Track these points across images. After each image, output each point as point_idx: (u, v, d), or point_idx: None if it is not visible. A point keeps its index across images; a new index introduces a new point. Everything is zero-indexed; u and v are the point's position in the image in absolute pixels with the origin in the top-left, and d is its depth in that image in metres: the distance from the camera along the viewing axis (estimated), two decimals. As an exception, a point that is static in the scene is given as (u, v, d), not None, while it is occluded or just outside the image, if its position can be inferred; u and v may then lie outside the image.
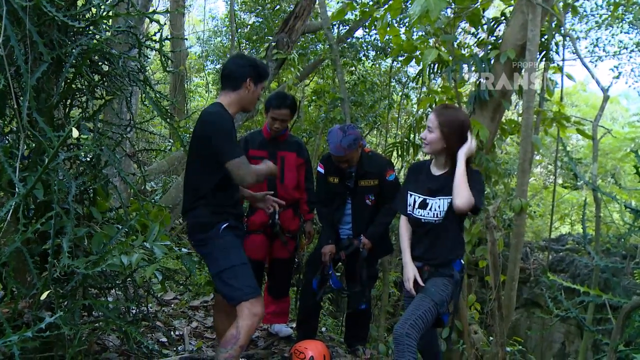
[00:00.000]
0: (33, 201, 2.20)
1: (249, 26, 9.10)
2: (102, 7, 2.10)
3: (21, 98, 2.05)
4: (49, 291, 1.82)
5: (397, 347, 2.27)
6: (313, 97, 8.59)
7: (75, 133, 1.71)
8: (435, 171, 2.58)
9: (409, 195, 2.60)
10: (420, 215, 2.55)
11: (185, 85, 11.12)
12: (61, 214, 1.98)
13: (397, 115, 9.21)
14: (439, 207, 2.50)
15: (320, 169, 3.44)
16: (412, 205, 2.58)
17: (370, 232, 3.31)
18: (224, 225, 2.46)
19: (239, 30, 8.93)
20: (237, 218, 2.59)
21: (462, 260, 2.58)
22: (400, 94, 8.88)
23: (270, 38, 6.14)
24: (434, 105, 3.90)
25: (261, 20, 8.80)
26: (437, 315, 2.44)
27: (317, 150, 8.58)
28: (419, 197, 2.56)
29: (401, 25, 6.89)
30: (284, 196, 3.19)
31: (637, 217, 1.93)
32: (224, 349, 2.32)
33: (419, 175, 2.64)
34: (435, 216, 2.51)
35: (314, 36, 8.04)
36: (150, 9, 5.97)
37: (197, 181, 2.52)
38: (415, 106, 8.90)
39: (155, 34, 2.56)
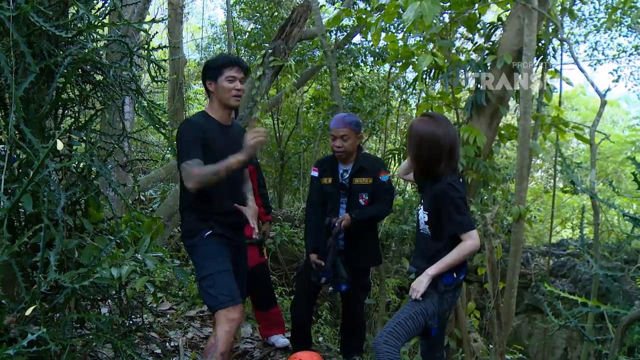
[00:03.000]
0: (24, 213, 2.17)
1: (247, 33, 9.10)
2: (89, 17, 2.08)
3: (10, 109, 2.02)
4: (34, 306, 1.78)
5: (378, 355, 2.24)
6: (311, 104, 8.57)
7: (59, 145, 1.68)
8: None
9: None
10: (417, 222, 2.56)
11: (184, 93, 11.11)
12: (50, 226, 1.95)
13: (396, 121, 9.18)
14: (421, 218, 2.48)
15: (314, 173, 3.40)
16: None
17: (356, 213, 3.18)
18: (208, 233, 2.46)
19: (238, 37, 8.92)
20: (225, 227, 2.55)
21: (454, 274, 2.44)
22: (398, 99, 8.86)
23: (268, 45, 6.12)
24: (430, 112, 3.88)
25: (259, 27, 8.79)
26: (425, 324, 2.37)
27: (316, 157, 8.56)
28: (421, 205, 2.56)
29: (399, 31, 6.87)
30: None
31: (635, 225, 1.89)
32: (205, 359, 2.31)
33: None
34: (419, 225, 2.50)
35: (311, 43, 8.03)
36: (147, 17, 6.00)
37: (182, 189, 2.55)
38: (414, 111, 8.87)
39: (146, 42, 2.55)
